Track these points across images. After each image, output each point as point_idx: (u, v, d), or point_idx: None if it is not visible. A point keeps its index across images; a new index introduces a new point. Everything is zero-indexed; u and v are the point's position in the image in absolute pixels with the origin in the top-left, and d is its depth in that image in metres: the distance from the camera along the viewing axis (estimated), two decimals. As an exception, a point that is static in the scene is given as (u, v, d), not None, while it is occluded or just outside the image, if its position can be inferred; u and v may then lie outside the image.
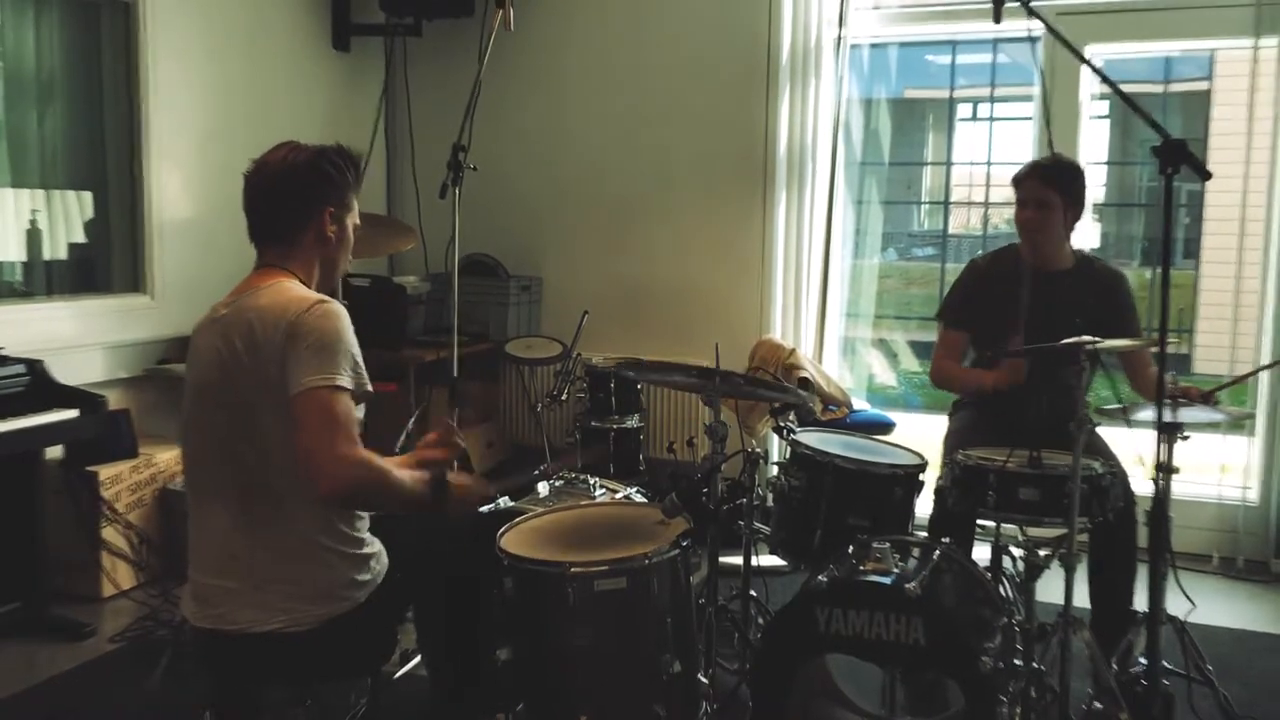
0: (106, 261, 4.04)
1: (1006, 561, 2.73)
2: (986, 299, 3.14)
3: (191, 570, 1.97)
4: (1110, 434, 2.94)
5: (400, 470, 1.94)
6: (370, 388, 1.92)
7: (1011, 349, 2.93)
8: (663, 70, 4.71)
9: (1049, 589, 2.49)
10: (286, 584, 1.88)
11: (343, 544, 1.94)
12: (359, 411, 1.91)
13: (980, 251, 3.56)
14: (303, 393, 1.79)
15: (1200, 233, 5.73)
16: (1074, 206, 3.02)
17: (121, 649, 3.21)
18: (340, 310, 1.90)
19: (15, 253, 3.81)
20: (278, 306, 1.88)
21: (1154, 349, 2.44)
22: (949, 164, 6.72)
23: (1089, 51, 4.14)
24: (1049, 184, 3.01)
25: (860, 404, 4.41)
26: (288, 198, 1.98)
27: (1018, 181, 3.09)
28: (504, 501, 2.71)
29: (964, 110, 7.26)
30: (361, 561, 1.97)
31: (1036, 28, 2.59)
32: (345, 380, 1.83)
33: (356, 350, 1.89)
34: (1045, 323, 2.85)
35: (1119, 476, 2.59)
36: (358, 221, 2.11)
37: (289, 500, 1.88)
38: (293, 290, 1.94)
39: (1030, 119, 4.49)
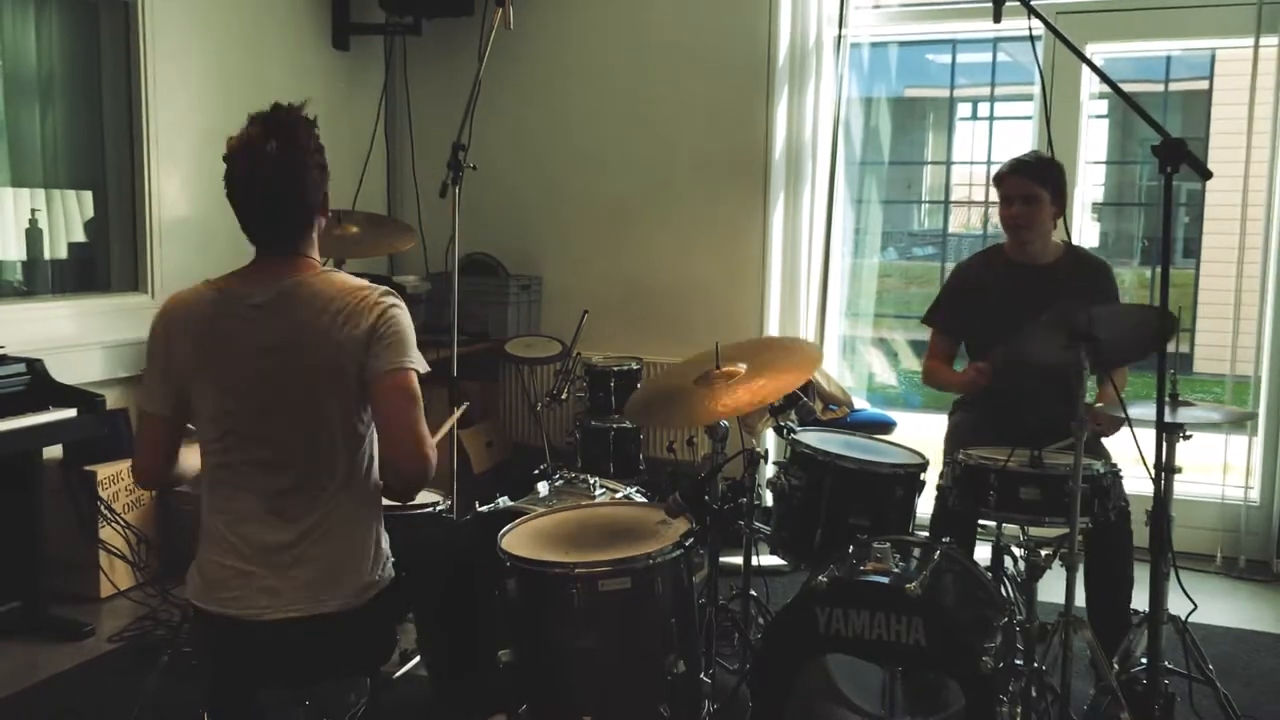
0: (106, 261, 4.04)
1: (1008, 561, 2.72)
2: (976, 301, 3.14)
3: (205, 552, 1.92)
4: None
5: None
6: None
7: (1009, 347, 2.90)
8: (662, 69, 4.71)
9: (1050, 589, 2.49)
10: (309, 571, 1.86)
11: (372, 541, 1.93)
12: None
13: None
14: (394, 370, 1.85)
15: (1200, 231, 5.72)
16: (1057, 200, 3.04)
17: (120, 649, 3.21)
18: None
19: (15, 252, 3.80)
20: (355, 290, 1.89)
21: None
22: (949, 163, 6.70)
23: (1089, 51, 4.13)
24: (1034, 179, 3.03)
25: (861, 403, 4.40)
26: (295, 200, 1.94)
27: (1000, 179, 3.10)
28: (503, 501, 2.71)
29: (964, 109, 7.25)
30: (380, 562, 1.96)
31: (1037, 27, 2.57)
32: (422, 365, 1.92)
33: None
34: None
35: (1118, 476, 2.59)
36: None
37: (327, 492, 1.88)
38: (343, 274, 1.95)
39: (1030, 118, 4.49)
